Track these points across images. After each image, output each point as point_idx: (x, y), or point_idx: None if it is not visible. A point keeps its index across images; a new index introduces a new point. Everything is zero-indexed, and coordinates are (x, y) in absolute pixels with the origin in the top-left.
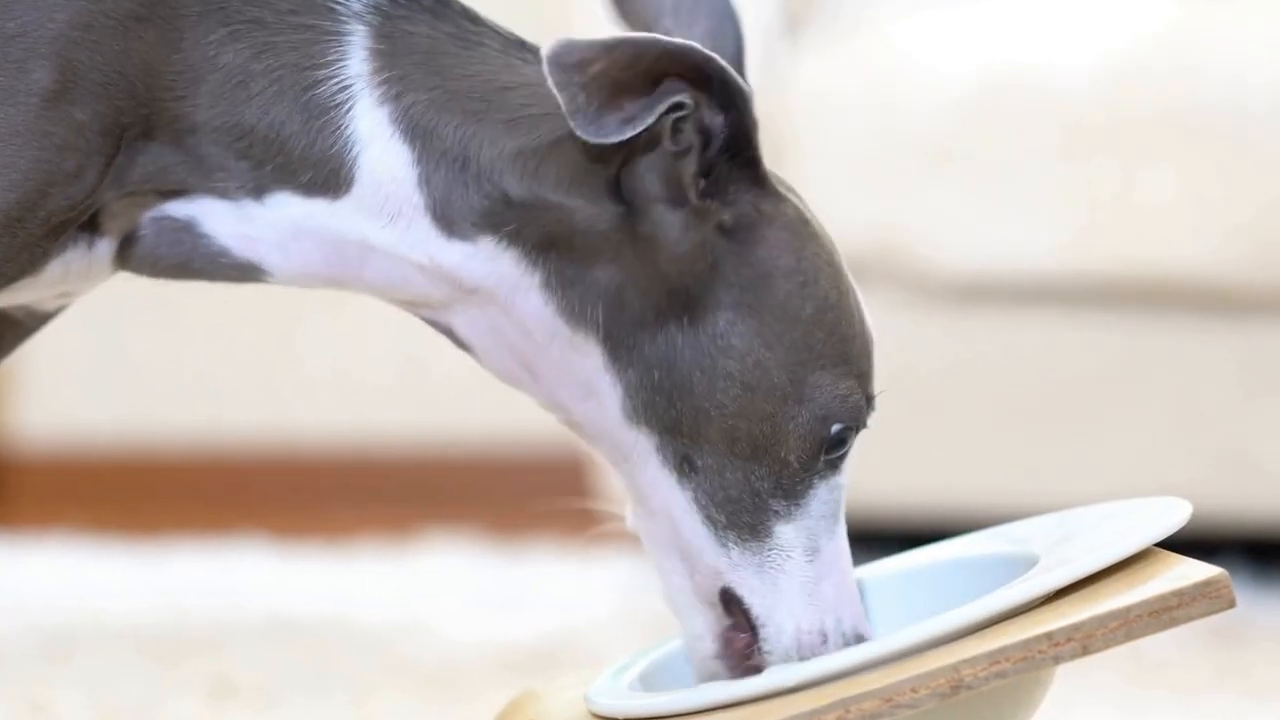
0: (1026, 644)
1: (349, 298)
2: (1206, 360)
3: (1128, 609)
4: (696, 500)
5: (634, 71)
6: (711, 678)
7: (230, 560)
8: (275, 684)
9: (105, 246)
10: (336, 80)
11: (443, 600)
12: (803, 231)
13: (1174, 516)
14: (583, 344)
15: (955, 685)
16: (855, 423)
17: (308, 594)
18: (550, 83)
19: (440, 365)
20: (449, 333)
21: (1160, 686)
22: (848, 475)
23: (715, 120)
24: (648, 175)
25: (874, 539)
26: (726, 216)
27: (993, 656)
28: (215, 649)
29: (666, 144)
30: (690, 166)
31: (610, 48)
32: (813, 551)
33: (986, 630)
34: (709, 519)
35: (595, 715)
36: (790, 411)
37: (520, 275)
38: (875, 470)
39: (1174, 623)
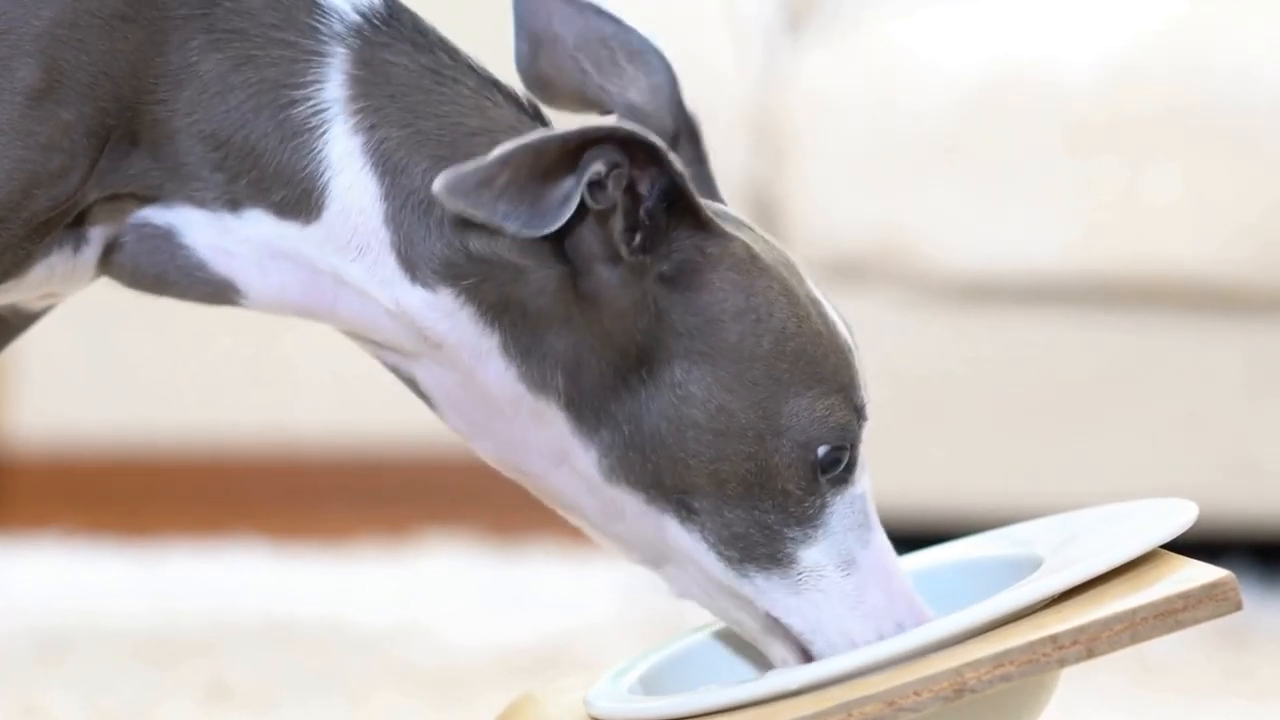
0: (1031, 647)
1: None
2: (1212, 360)
3: (1133, 611)
4: (705, 540)
5: (547, 162)
6: None
7: (226, 562)
8: (272, 686)
9: (90, 250)
10: (313, 103)
11: (441, 602)
12: (751, 268)
13: (1180, 518)
14: (545, 410)
15: (959, 688)
16: (842, 439)
17: (305, 596)
18: (459, 211)
19: None
20: (412, 384)
21: (1166, 689)
22: (866, 481)
23: (642, 177)
24: (586, 235)
25: None
26: (665, 267)
27: (997, 659)
28: (211, 651)
29: (589, 204)
30: (618, 224)
31: (505, 160)
32: (848, 565)
33: (991, 633)
34: (723, 556)
35: (595, 719)
36: (770, 446)
37: (478, 336)
38: (876, 471)
39: (1180, 625)
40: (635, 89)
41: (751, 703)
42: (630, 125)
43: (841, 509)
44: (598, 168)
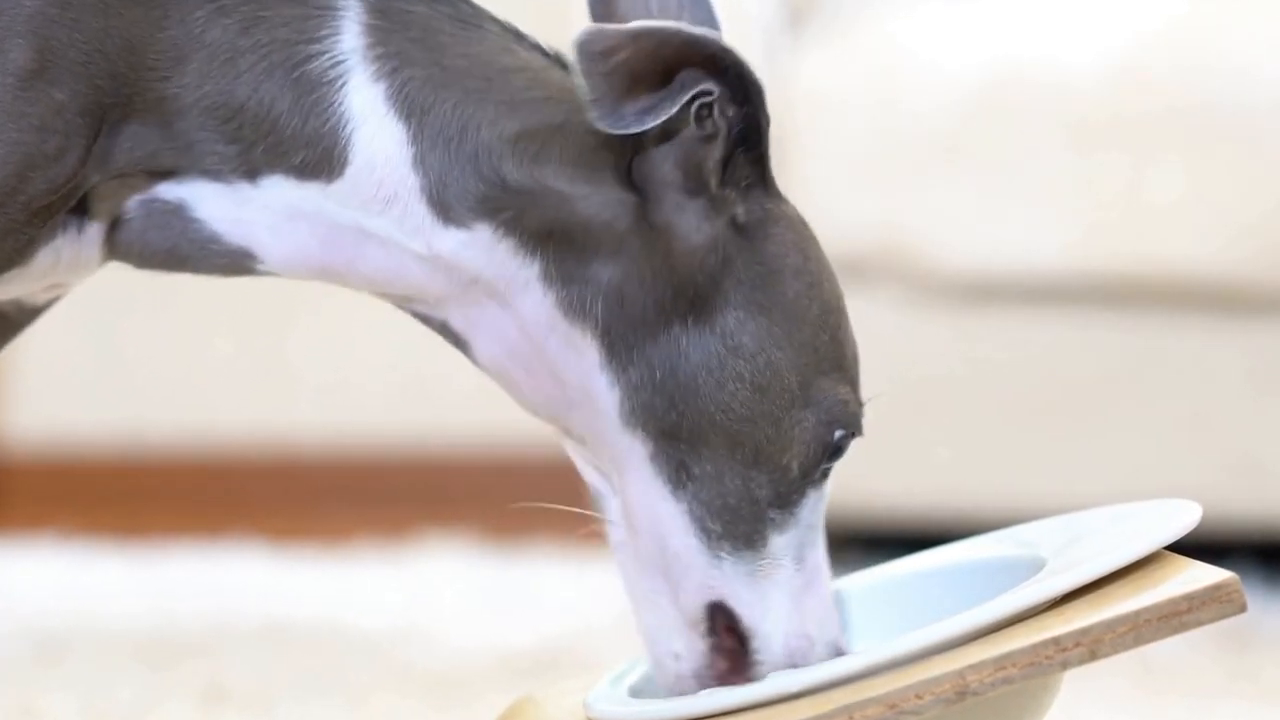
0: (1034, 649)
1: (345, 297)
2: (1214, 360)
3: (1137, 613)
4: (691, 511)
5: (654, 61)
6: (683, 694)
7: (224, 563)
8: (270, 689)
9: (94, 232)
10: (329, 56)
11: (441, 603)
12: (805, 233)
13: (1184, 519)
14: (579, 340)
15: (961, 691)
16: (855, 429)
17: (303, 597)
18: (580, 69)
19: (437, 366)
20: (443, 328)
21: (1168, 691)
22: (828, 488)
23: (730, 112)
24: (664, 163)
25: (877, 541)
26: (740, 210)
27: (999, 662)
28: (209, 653)
29: (692, 130)
30: (716, 153)
31: (635, 36)
32: (800, 560)
33: (993, 635)
34: (703, 530)
35: None
36: (797, 416)
37: (518, 266)
38: (878, 472)
39: (1184, 627)
40: None
41: (752, 705)
42: (739, 54)
43: (812, 502)
44: (707, 86)
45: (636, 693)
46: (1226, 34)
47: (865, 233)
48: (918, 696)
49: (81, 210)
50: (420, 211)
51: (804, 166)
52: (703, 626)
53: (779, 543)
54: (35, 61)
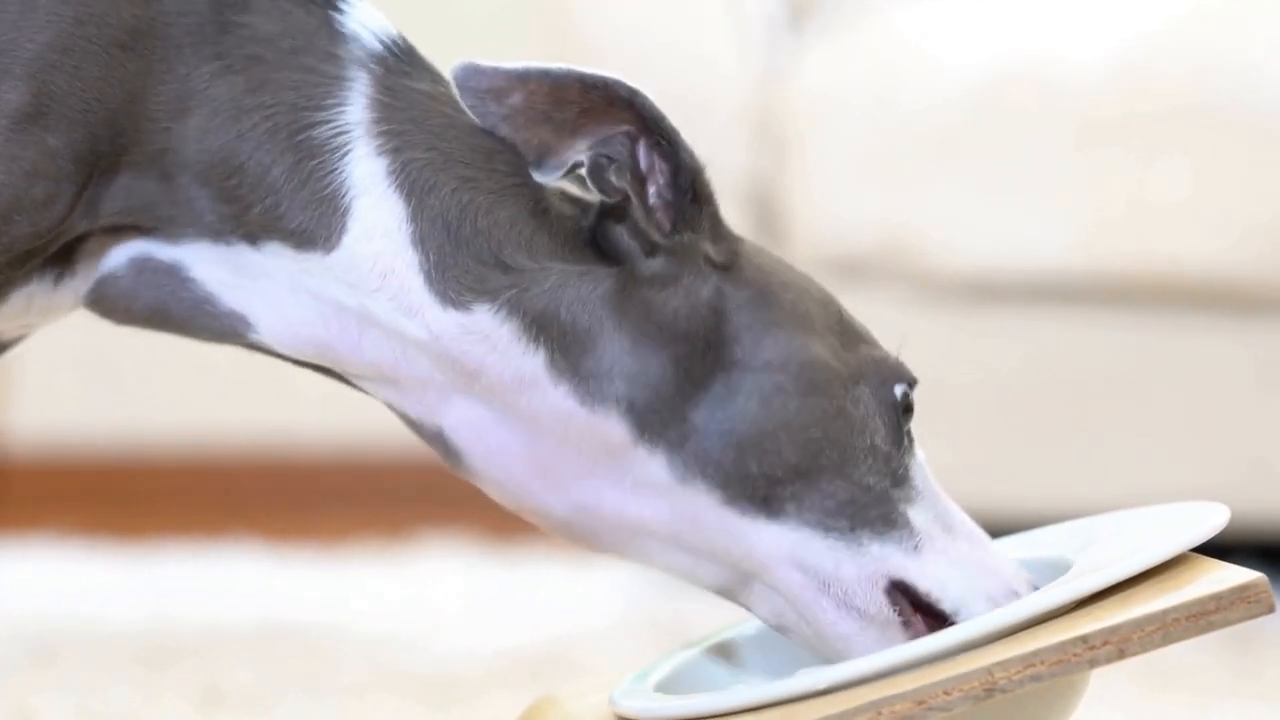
0: (1062, 647)
1: None
2: (1221, 360)
3: (1165, 613)
4: (804, 522)
5: (556, 106)
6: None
7: (222, 564)
8: (266, 690)
9: (74, 283)
10: (334, 125)
11: (439, 605)
12: (766, 260)
13: (1212, 520)
14: (603, 424)
15: (989, 688)
16: (908, 379)
17: (300, 598)
18: (467, 107)
19: None
20: (438, 438)
21: (1172, 689)
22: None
23: (651, 158)
24: (617, 232)
25: None
26: (710, 250)
27: (1027, 659)
28: (206, 655)
29: (592, 191)
30: (638, 211)
31: (523, 77)
32: (948, 529)
33: (1021, 633)
34: (830, 530)
35: (621, 718)
36: (855, 394)
37: (521, 355)
38: None
39: (1211, 627)
40: None
41: (780, 701)
42: (651, 102)
43: (920, 473)
44: (609, 140)
45: (663, 689)
46: (1231, 33)
47: (866, 232)
48: (946, 693)
49: (62, 258)
50: (418, 289)
51: (806, 164)
52: (892, 618)
53: (919, 517)
54: (31, 105)
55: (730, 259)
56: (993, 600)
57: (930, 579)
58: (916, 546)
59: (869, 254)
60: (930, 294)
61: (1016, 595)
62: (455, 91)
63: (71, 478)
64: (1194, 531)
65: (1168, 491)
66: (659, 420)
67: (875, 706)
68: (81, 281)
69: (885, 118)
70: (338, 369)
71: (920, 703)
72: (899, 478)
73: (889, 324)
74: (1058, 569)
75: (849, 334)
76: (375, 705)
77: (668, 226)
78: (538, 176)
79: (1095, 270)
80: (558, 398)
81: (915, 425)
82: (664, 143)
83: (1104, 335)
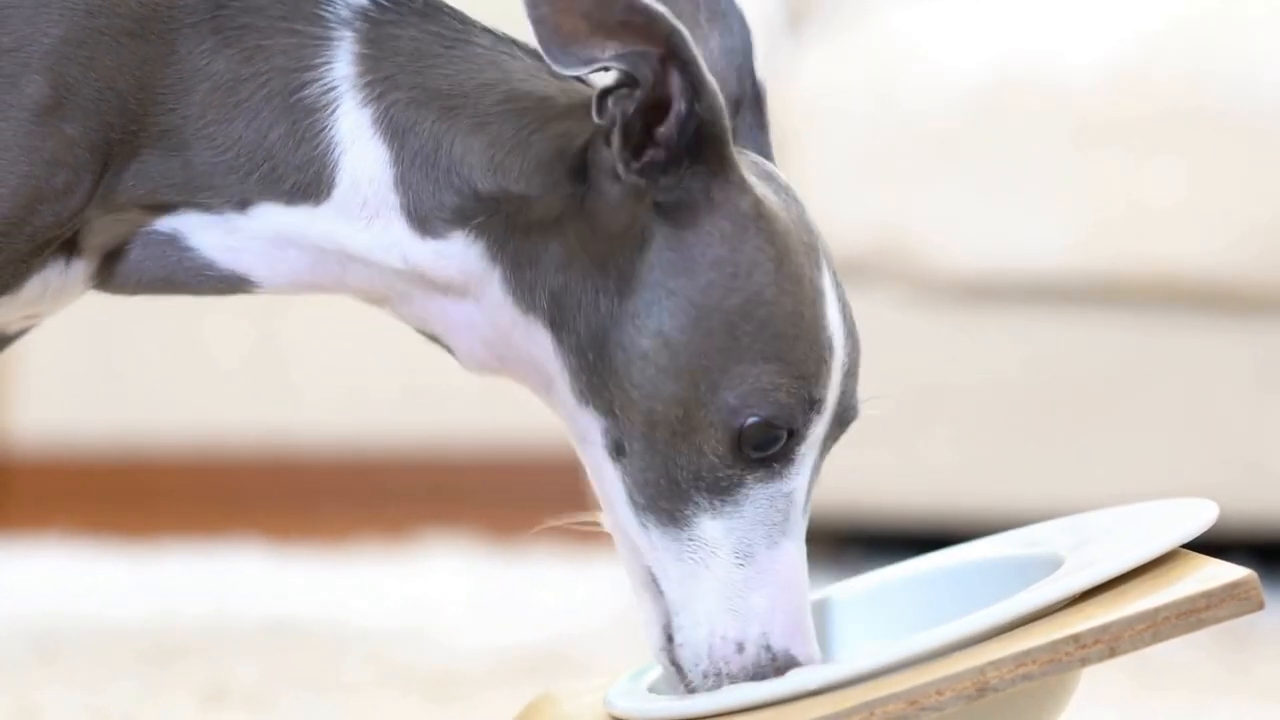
0: (1053, 646)
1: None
2: (1217, 361)
3: (1155, 610)
4: (624, 481)
5: (602, 10)
6: (666, 671)
7: (225, 563)
8: (269, 688)
9: (83, 265)
10: (323, 83)
11: (440, 603)
12: (748, 225)
13: (1201, 517)
14: (534, 330)
15: (981, 688)
16: (778, 419)
17: (303, 597)
18: (526, 3)
19: (437, 367)
20: (425, 330)
21: (1166, 687)
22: (801, 484)
23: (674, 94)
24: (604, 152)
25: (877, 541)
26: (662, 197)
27: (1019, 659)
28: (209, 653)
29: (593, 115)
30: (615, 141)
31: None
32: (745, 556)
33: (1013, 632)
34: (632, 500)
35: (615, 718)
36: (702, 398)
37: (485, 268)
38: (878, 472)
39: (1202, 624)
40: (709, 48)
41: (772, 701)
42: (693, 46)
43: (760, 499)
44: (622, 53)
45: (657, 690)
46: (1228, 35)
47: (865, 233)
48: (938, 693)
49: (70, 243)
50: (399, 228)
51: (805, 165)
52: (654, 590)
53: (712, 529)
54: (50, 97)
55: (692, 206)
56: (710, 638)
57: (673, 584)
58: (687, 552)
59: (867, 255)
60: (928, 295)
61: (735, 644)
62: None
63: (75, 476)
64: (1184, 528)
65: (1164, 491)
66: (571, 339)
67: (868, 707)
68: (90, 262)
69: (883, 119)
70: (328, 294)
71: (913, 703)
72: (717, 488)
73: (887, 324)
74: (1050, 566)
75: (758, 346)
76: (377, 702)
77: (637, 165)
78: (556, 67)
79: (1092, 271)
80: (508, 302)
81: (913, 425)
82: (688, 82)
83: (1101, 336)
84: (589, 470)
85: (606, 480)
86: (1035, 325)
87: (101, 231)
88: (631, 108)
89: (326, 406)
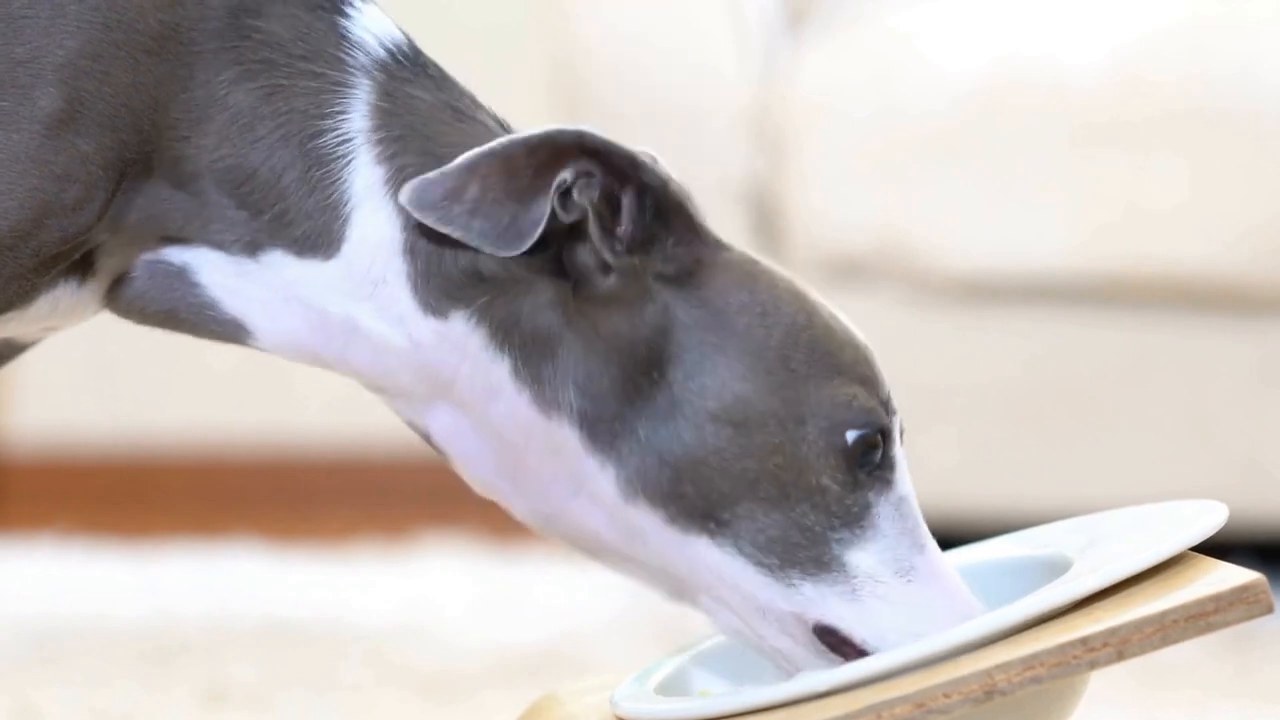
0: (1062, 649)
1: None
2: (1218, 361)
3: (1164, 614)
4: (740, 550)
5: (513, 178)
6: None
7: (224, 563)
8: (269, 688)
9: (95, 286)
10: (338, 133)
11: (440, 603)
12: (752, 270)
13: (1210, 519)
14: (558, 432)
15: (989, 691)
16: (870, 425)
17: (302, 597)
18: (431, 223)
19: None
20: (426, 437)
21: (1169, 688)
22: (909, 484)
23: (623, 184)
24: (580, 250)
25: None
26: (661, 267)
27: (1027, 662)
28: (208, 653)
29: (561, 216)
30: (594, 232)
31: (471, 166)
32: (907, 572)
33: (1021, 635)
34: (761, 564)
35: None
36: (796, 435)
37: (489, 364)
38: None
39: (1211, 628)
40: None
41: (780, 704)
42: (599, 135)
43: (888, 511)
44: (563, 177)
45: (663, 691)
46: (1227, 36)
47: (865, 233)
48: (945, 696)
49: (85, 264)
50: (404, 297)
51: (804, 166)
52: (823, 649)
53: (864, 560)
54: (64, 111)
55: (692, 271)
56: None
57: (862, 626)
58: (854, 591)
59: (866, 256)
60: (928, 295)
61: None
62: (414, 213)
63: (74, 477)
64: (1193, 530)
65: (1166, 491)
66: (607, 432)
67: (875, 710)
68: (102, 284)
69: (883, 120)
70: (327, 369)
71: (920, 705)
72: (850, 518)
73: (887, 324)
74: (1058, 568)
75: (816, 368)
76: (376, 703)
77: (623, 247)
78: (514, 251)
79: (1092, 271)
80: (521, 405)
81: (913, 425)
82: (624, 167)
83: (1101, 336)
84: (673, 572)
85: (712, 561)
86: (1035, 325)
87: (116, 253)
88: (595, 194)
89: (325, 406)
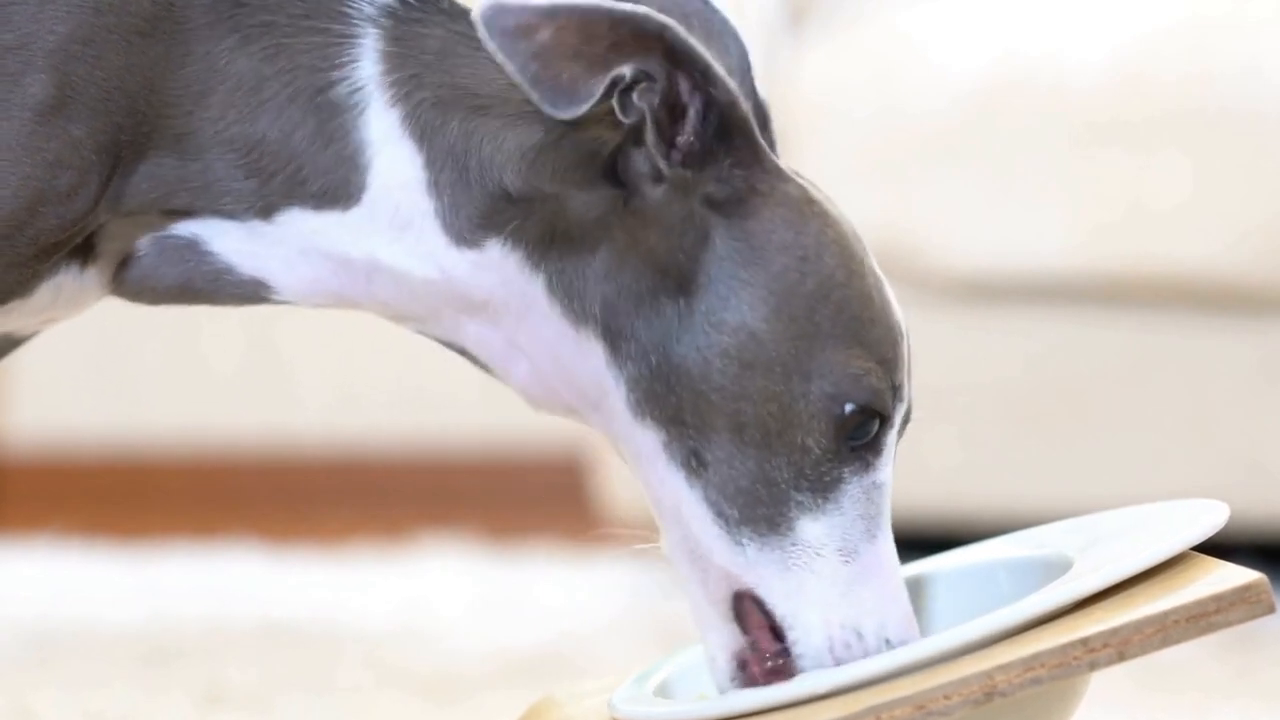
0: (1062, 650)
1: None
2: (1219, 360)
3: (1165, 614)
4: (707, 497)
5: (586, 41)
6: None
7: (221, 564)
8: (266, 690)
9: (99, 271)
10: (349, 82)
11: (439, 604)
12: (805, 210)
13: (1211, 519)
14: (586, 342)
15: (989, 692)
16: (873, 404)
17: (300, 598)
18: (491, 49)
19: (437, 367)
20: (464, 353)
21: (1170, 689)
22: (889, 476)
23: (692, 93)
24: (636, 156)
25: None
26: (713, 189)
27: (1028, 663)
28: (206, 654)
29: (619, 114)
30: (650, 137)
31: (552, 12)
32: (849, 554)
33: (1021, 636)
34: (720, 515)
35: None
36: (797, 389)
37: (525, 281)
38: None
39: (1212, 628)
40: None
41: (779, 705)
42: (683, 34)
43: (856, 491)
44: (622, 72)
45: (662, 693)
46: (1231, 35)
47: (866, 232)
48: (946, 697)
49: (87, 248)
50: (434, 235)
51: (805, 166)
52: (734, 625)
53: (814, 530)
54: (54, 97)
55: (744, 198)
56: (827, 633)
57: (786, 600)
58: (791, 560)
59: None
60: (929, 295)
61: (855, 633)
62: (482, 32)
63: (71, 477)
64: (1194, 530)
65: (1167, 491)
66: (625, 346)
67: (875, 711)
68: (106, 267)
69: (884, 120)
70: (353, 309)
71: (920, 707)
72: (819, 485)
73: None
74: (1058, 568)
75: (838, 329)
76: (374, 704)
77: (680, 157)
78: (561, 115)
79: (1094, 271)
80: (554, 318)
81: (913, 425)
82: (696, 75)
83: (1103, 335)
84: (651, 491)
85: (681, 499)
86: (1037, 325)
87: (118, 236)
88: (656, 100)
89: (324, 407)
